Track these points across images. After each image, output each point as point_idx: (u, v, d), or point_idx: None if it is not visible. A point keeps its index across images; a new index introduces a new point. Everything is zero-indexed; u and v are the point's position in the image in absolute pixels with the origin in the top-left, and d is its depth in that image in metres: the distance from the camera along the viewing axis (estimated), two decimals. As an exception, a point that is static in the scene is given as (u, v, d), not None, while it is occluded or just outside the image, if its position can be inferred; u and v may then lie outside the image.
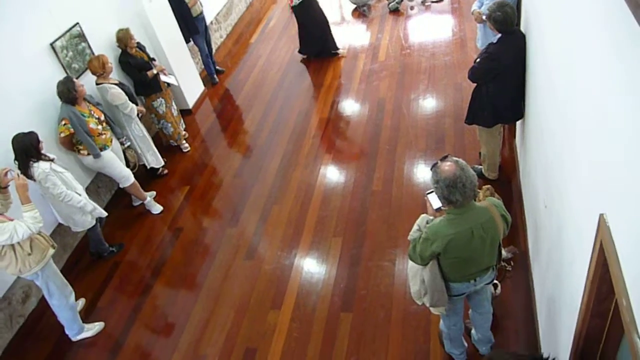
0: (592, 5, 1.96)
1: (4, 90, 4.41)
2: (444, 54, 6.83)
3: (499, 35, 3.90)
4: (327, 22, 7.27)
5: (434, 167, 2.56)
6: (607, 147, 1.75)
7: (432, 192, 2.66)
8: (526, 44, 3.90)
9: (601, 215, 1.77)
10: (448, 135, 5.45)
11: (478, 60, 4.12)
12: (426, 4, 8.16)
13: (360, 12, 8.52)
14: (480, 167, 4.74)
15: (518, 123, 4.66)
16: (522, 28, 4.21)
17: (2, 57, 4.44)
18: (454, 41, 7.08)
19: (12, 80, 4.50)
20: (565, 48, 2.50)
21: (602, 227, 1.74)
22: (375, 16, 8.27)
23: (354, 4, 8.66)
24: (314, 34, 7.28)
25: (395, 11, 8.19)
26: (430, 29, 7.58)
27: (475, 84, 4.26)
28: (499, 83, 4.04)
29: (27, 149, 3.99)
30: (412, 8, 8.18)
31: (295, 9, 7.16)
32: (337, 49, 7.46)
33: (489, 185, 3.90)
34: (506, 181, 4.72)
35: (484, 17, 4.57)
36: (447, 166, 2.48)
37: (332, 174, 5.43)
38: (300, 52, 7.62)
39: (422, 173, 5.11)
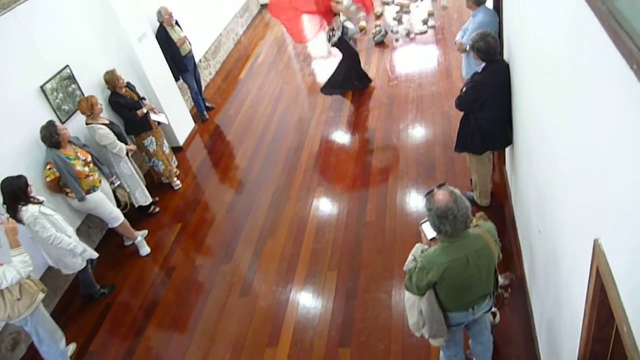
0: (571, 32, 2.00)
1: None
2: (430, 84, 6.94)
3: (483, 64, 3.98)
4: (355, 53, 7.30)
5: (428, 194, 2.56)
6: (598, 171, 1.77)
7: (426, 221, 2.65)
8: (510, 71, 3.98)
9: (596, 241, 1.76)
10: (439, 164, 5.48)
11: (464, 89, 4.19)
12: (411, 35, 8.33)
13: (347, 45, 8.66)
14: (472, 194, 4.76)
15: (507, 149, 4.70)
16: (505, 57, 4.29)
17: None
18: (439, 71, 7.21)
19: (1, 122, 4.49)
20: (548, 73, 2.55)
21: (597, 252, 1.74)
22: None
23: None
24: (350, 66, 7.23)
25: (380, 44, 8.35)
26: (415, 59, 7.72)
27: (462, 113, 4.32)
28: (486, 111, 4.09)
29: (15, 192, 3.95)
30: (397, 40, 8.35)
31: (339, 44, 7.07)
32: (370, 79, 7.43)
33: (482, 213, 3.88)
34: (499, 207, 4.73)
35: (466, 48, 4.67)
36: (440, 195, 2.49)
37: (325, 206, 5.42)
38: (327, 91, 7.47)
39: (414, 202, 5.11)
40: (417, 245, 2.86)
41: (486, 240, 2.60)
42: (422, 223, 2.76)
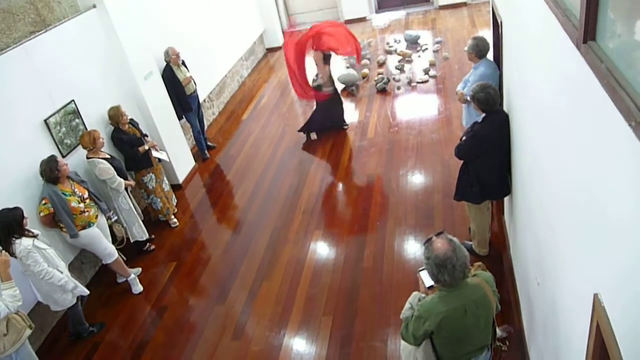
0: (570, 89, 2.04)
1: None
2: (430, 132, 7.02)
3: (484, 114, 4.04)
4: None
5: (427, 242, 2.54)
6: (598, 224, 1.76)
7: (423, 269, 2.63)
8: (509, 122, 4.03)
9: (596, 295, 1.73)
10: (437, 211, 5.47)
11: (464, 138, 4.24)
12: (412, 84, 8.50)
13: (349, 91, 8.84)
14: (470, 242, 4.73)
15: (506, 199, 4.71)
16: (505, 108, 4.36)
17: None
18: (440, 119, 7.31)
19: (1, 153, 4.50)
20: (547, 127, 2.58)
21: (597, 307, 1.71)
22: (363, 95, 8.58)
23: (343, 83, 8.99)
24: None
25: (382, 91, 8.50)
26: (416, 107, 7.84)
27: (462, 161, 4.35)
28: (485, 160, 4.13)
29: (10, 225, 3.92)
30: (398, 88, 8.51)
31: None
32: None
33: (480, 263, 3.85)
34: (497, 257, 4.69)
35: (467, 98, 4.75)
36: (439, 243, 2.47)
37: (322, 250, 5.37)
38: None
39: (412, 249, 5.07)
40: (415, 293, 2.82)
41: (484, 290, 2.57)
42: (419, 271, 2.73)
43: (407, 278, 4.70)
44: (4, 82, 4.60)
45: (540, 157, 2.85)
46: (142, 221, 5.71)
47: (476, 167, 4.19)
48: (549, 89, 2.51)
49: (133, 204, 5.57)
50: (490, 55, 5.07)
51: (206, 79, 8.48)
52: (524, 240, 3.65)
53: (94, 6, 5.70)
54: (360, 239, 5.34)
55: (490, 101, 3.92)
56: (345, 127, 7.68)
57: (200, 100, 7.68)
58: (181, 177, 7.03)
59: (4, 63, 4.59)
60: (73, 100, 5.31)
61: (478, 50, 4.82)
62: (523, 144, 3.51)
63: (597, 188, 1.74)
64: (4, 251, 3.72)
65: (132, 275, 5.31)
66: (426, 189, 5.92)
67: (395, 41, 10.42)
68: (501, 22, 4.56)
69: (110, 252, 5.04)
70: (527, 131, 3.31)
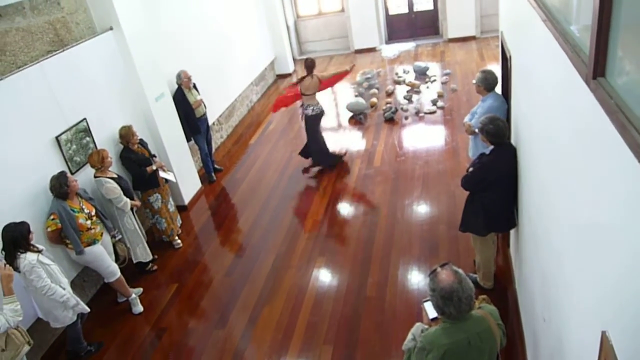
0: (579, 123, 2.05)
1: (0, 178, 4.43)
2: (437, 162, 7.04)
3: (491, 146, 4.05)
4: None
5: (432, 273, 2.52)
6: (607, 261, 1.74)
7: (428, 300, 2.60)
8: (517, 155, 4.04)
9: (603, 333, 1.71)
10: (442, 242, 5.44)
11: (471, 169, 4.24)
12: (420, 114, 8.57)
13: (357, 119, 8.91)
14: (475, 275, 4.68)
15: (512, 232, 4.68)
16: (512, 141, 4.38)
17: (7, 144, 4.52)
18: (446, 150, 7.33)
19: (12, 168, 4.54)
20: (556, 161, 2.58)
21: (605, 345, 1.68)
22: (371, 124, 8.64)
23: (351, 112, 9.08)
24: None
25: (390, 120, 8.57)
26: (424, 137, 7.88)
27: (468, 192, 4.35)
28: (491, 192, 4.12)
29: (16, 239, 3.93)
30: (406, 118, 8.57)
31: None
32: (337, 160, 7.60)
33: (484, 296, 3.80)
34: (502, 291, 4.63)
35: (475, 130, 4.78)
36: (445, 276, 2.44)
37: (325, 277, 5.33)
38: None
39: (416, 279, 5.02)
40: (418, 324, 2.78)
41: (489, 323, 2.53)
42: (424, 301, 2.69)
43: (410, 309, 4.65)
44: (20, 98, 4.68)
45: (548, 191, 2.84)
46: (146, 242, 5.71)
47: (482, 198, 4.18)
48: (558, 123, 2.53)
49: (138, 225, 5.58)
50: (498, 89, 5.11)
51: (216, 103, 8.59)
52: (530, 275, 3.61)
53: (111, 28, 5.82)
54: (363, 268, 5.31)
55: (499, 133, 3.94)
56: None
57: (210, 123, 7.76)
58: (187, 198, 7.05)
59: (20, 80, 4.68)
60: (85, 119, 5.38)
61: (487, 83, 4.87)
62: (531, 177, 3.51)
63: (606, 223, 1.73)
64: (8, 265, 3.71)
65: (133, 295, 5.28)
66: (431, 219, 5.90)
67: (404, 72, 10.55)
68: (510, 56, 4.61)
69: (112, 271, 5.03)
70: (535, 164, 3.31)
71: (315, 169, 7.52)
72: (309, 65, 7.13)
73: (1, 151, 4.45)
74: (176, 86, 6.98)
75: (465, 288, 2.41)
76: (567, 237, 2.36)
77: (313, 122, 7.31)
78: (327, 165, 7.46)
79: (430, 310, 2.59)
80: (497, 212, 4.19)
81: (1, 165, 4.44)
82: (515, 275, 4.57)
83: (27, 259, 3.95)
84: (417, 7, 12.45)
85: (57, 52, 5.15)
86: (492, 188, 4.10)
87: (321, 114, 7.31)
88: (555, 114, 2.61)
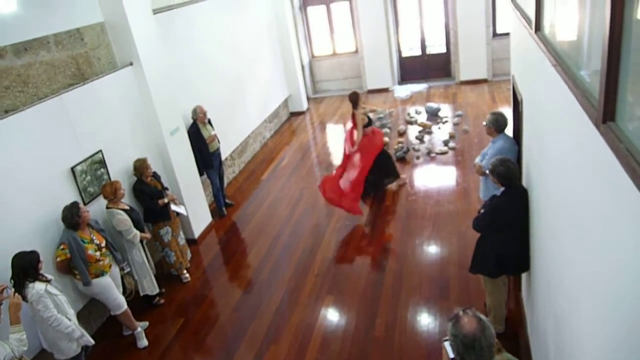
0: (590, 167, 2.05)
1: (15, 206, 4.49)
2: (448, 202, 7.01)
3: (502, 188, 4.04)
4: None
5: (454, 318, 2.45)
6: (621, 309, 1.71)
7: (448, 339, 2.53)
8: (528, 198, 4.02)
9: (618, 381, 1.66)
10: (453, 283, 5.36)
11: (482, 211, 4.22)
12: (431, 154, 8.60)
13: (369, 158, 8.94)
14: (486, 318, 4.58)
15: (524, 275, 4.60)
16: (523, 183, 4.37)
17: (24, 173, 4.60)
18: (457, 191, 7.31)
19: (26, 196, 4.61)
20: (567, 205, 2.57)
21: (620, 394, 1.63)
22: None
23: (363, 150, 9.14)
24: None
25: (401, 160, 8.59)
26: (435, 177, 7.88)
27: (479, 234, 4.31)
28: (503, 234, 4.08)
29: (26, 268, 3.95)
30: (418, 158, 8.60)
31: None
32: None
33: (496, 340, 3.72)
34: (513, 335, 4.52)
35: (485, 171, 4.78)
36: (467, 322, 2.38)
37: (333, 315, 5.25)
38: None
39: (426, 321, 4.93)
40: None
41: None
42: (444, 340, 2.62)
43: (419, 350, 4.54)
44: (40, 128, 4.80)
45: (560, 234, 2.81)
46: (154, 275, 5.69)
47: (493, 240, 4.14)
48: (569, 167, 2.53)
49: (147, 257, 5.59)
50: (509, 131, 5.14)
51: (230, 138, 8.71)
52: (543, 320, 3.53)
53: (131, 63, 6.00)
54: (372, 307, 5.23)
55: (510, 175, 3.94)
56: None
57: (222, 158, 7.85)
58: (197, 232, 7.06)
59: (41, 111, 4.81)
60: (100, 150, 5.48)
61: (497, 124, 4.91)
62: (542, 220, 3.48)
63: (620, 267, 1.70)
64: (17, 294, 3.72)
65: (139, 329, 5.23)
66: (442, 259, 5.83)
67: (416, 112, 10.66)
68: (521, 99, 4.66)
69: (119, 303, 5.01)
70: (546, 207, 3.29)
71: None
72: (353, 99, 7.20)
73: (18, 179, 4.53)
74: (191, 120, 7.11)
75: (488, 336, 2.34)
76: (580, 282, 2.32)
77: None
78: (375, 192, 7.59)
79: (450, 351, 2.52)
80: (508, 254, 4.14)
81: (17, 192, 4.51)
82: (527, 319, 4.47)
83: (36, 288, 3.96)
84: (430, 50, 12.67)
85: (78, 85, 5.31)
86: (503, 230, 4.07)
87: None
88: (565, 157, 2.62)
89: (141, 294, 5.57)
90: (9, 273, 4.02)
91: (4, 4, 3.72)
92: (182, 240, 6.29)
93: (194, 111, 7.09)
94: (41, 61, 5.04)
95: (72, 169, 5.11)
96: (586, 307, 2.22)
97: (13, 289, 3.83)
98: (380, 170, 7.44)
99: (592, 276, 2.08)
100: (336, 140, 10.46)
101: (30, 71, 4.91)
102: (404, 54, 12.89)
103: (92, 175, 5.37)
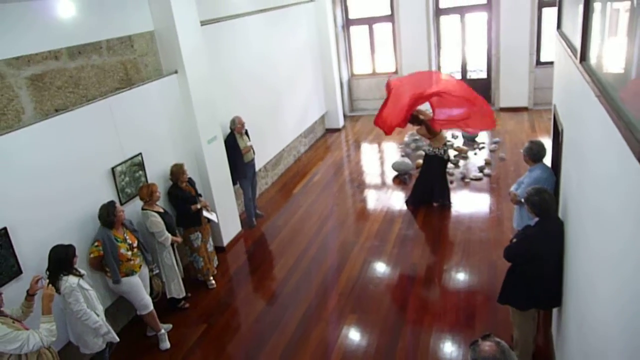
0: (632, 200, 2.00)
1: (58, 200, 4.66)
2: (480, 230, 6.89)
3: (537, 219, 3.96)
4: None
5: (473, 344, 2.42)
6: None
7: None
8: (564, 230, 3.92)
9: None
10: (479, 313, 5.24)
11: (515, 240, 4.14)
12: (465, 180, 8.49)
13: (401, 179, 8.92)
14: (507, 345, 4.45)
15: (555, 310, 4.47)
16: (560, 215, 4.27)
17: (68, 169, 4.78)
18: (490, 218, 7.18)
19: (68, 193, 4.78)
20: (607, 240, 2.50)
21: None
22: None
23: (396, 171, 9.11)
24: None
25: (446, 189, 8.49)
26: (467, 203, 7.77)
27: (510, 264, 4.22)
28: (535, 266, 3.98)
29: (62, 261, 4.09)
30: (451, 182, 8.50)
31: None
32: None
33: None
34: (540, 372, 4.38)
35: (520, 200, 4.69)
36: (487, 347, 2.34)
37: (354, 335, 5.20)
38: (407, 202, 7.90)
39: (449, 349, 4.83)
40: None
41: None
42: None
43: (440, 379, 4.44)
44: (86, 128, 4.99)
45: (598, 270, 2.73)
46: (182, 279, 5.78)
47: (525, 272, 4.04)
48: (608, 202, 2.46)
49: (176, 261, 5.69)
50: (548, 160, 5.05)
51: (265, 150, 8.83)
52: (573, 359, 3.41)
53: (176, 72, 6.19)
54: (394, 330, 5.16)
55: (545, 206, 3.85)
56: (443, 204, 7.67)
57: (256, 169, 7.95)
58: (226, 240, 7.15)
59: (89, 112, 5.02)
60: (140, 153, 5.65)
61: (532, 153, 4.83)
62: (578, 254, 3.38)
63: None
64: (50, 285, 3.85)
65: (163, 331, 5.31)
66: (469, 287, 5.72)
67: (452, 136, 10.57)
68: (562, 129, 4.57)
69: (146, 304, 5.10)
70: (583, 241, 3.20)
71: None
72: (413, 120, 7.43)
73: (63, 174, 4.72)
74: (229, 131, 7.25)
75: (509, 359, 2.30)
76: (614, 324, 2.24)
77: (435, 163, 7.49)
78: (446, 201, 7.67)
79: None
80: (539, 287, 4.03)
81: (60, 187, 4.69)
82: (557, 358, 4.32)
83: (69, 281, 4.08)
84: (471, 75, 12.59)
85: (125, 89, 5.51)
86: (535, 262, 3.97)
87: (441, 156, 7.47)
88: (605, 191, 2.55)
89: (168, 296, 5.66)
90: (46, 264, 4.16)
91: (65, 9, 3.91)
92: (210, 247, 6.37)
93: (233, 121, 7.23)
94: (93, 65, 5.26)
95: (113, 169, 5.28)
96: (623, 347, 2.14)
97: (47, 280, 3.96)
98: (435, 187, 7.54)
99: (629, 321, 2.01)
100: (370, 159, 10.46)
101: (82, 73, 5.13)
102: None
103: (130, 176, 5.53)
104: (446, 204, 7.65)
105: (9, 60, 4.38)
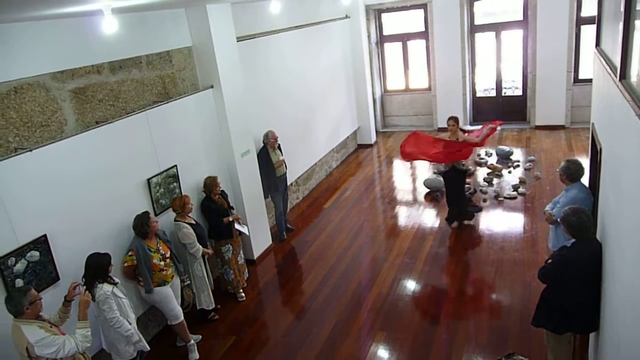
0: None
1: (96, 210, 4.80)
2: (513, 250, 6.74)
3: (573, 239, 3.85)
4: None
5: None
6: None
7: None
8: (602, 252, 3.80)
9: None
10: (512, 334, 5.10)
11: (550, 261, 4.03)
12: (499, 198, 8.33)
13: (434, 196, 8.82)
14: (543, 374, 4.32)
15: (592, 335, 4.31)
16: (598, 236, 4.14)
17: (107, 180, 4.93)
18: (524, 238, 7.02)
19: (106, 202, 4.92)
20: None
21: None
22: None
23: (428, 188, 9.03)
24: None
25: (468, 201, 8.38)
26: (501, 222, 7.61)
27: (544, 285, 4.10)
28: (571, 288, 3.86)
29: (98, 269, 4.20)
30: (485, 200, 8.36)
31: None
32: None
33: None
34: (576, 399, 4.22)
35: (556, 220, 4.57)
36: None
37: (383, 353, 5.14)
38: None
39: (480, 371, 4.71)
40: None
41: None
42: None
43: (470, 402, 4.33)
44: (124, 140, 5.15)
45: (637, 293, 2.63)
46: (212, 290, 5.85)
47: (560, 294, 3.92)
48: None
49: (207, 272, 5.76)
50: (585, 180, 4.92)
51: (297, 164, 8.88)
52: (609, 385, 3.28)
53: (212, 86, 6.34)
54: (424, 350, 5.06)
55: (582, 226, 3.75)
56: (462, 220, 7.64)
57: (288, 183, 8.01)
58: (257, 253, 7.20)
59: (128, 124, 5.18)
60: (175, 165, 5.78)
61: (569, 172, 4.72)
62: (617, 277, 3.27)
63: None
64: (87, 292, 3.96)
65: (192, 342, 5.36)
66: (502, 308, 5.58)
67: (486, 154, 10.42)
68: (600, 149, 4.45)
69: (176, 314, 5.17)
70: (622, 265, 3.10)
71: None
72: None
73: (101, 184, 4.87)
74: (262, 145, 7.34)
75: None
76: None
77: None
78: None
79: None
80: (575, 310, 3.90)
81: (99, 197, 4.84)
82: (593, 384, 4.16)
83: (103, 289, 4.19)
84: (506, 92, 12.42)
85: (162, 103, 5.67)
86: (571, 284, 3.85)
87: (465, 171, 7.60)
88: (646, 212, 2.47)
89: (198, 307, 5.73)
90: (82, 272, 4.28)
91: (108, 26, 4.09)
92: (241, 259, 6.43)
93: (266, 135, 7.32)
94: (132, 79, 5.44)
95: (148, 180, 5.41)
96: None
97: (84, 287, 4.08)
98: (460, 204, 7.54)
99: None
100: (402, 175, 10.40)
101: (122, 87, 5.31)
102: (478, 94, 12.71)
103: (165, 188, 5.66)
104: (468, 216, 7.62)
105: (54, 74, 4.58)
